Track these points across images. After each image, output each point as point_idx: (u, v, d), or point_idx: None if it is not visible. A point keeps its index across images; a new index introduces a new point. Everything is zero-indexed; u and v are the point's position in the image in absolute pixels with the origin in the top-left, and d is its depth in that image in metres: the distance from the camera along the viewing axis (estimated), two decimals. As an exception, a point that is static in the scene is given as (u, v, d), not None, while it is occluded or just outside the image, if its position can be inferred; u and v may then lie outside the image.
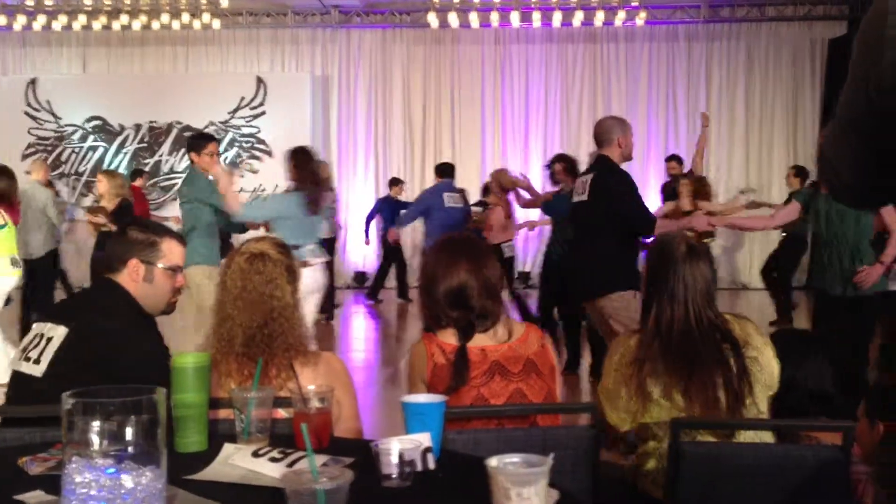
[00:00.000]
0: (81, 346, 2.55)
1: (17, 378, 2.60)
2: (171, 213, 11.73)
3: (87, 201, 13.79)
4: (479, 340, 2.62)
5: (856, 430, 2.63)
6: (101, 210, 9.34)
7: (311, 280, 5.57)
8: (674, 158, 11.08)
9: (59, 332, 2.58)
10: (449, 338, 2.63)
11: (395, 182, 12.84)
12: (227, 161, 14.58)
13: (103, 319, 2.65)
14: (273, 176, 12.98)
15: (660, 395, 2.57)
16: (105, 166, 14.70)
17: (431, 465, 1.83)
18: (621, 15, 13.91)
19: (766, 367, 2.63)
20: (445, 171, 8.85)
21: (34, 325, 2.71)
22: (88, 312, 2.68)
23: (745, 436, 2.56)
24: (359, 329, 10.60)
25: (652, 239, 4.94)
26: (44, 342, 2.58)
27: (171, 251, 2.82)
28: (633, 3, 13.83)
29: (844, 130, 1.36)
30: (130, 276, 2.76)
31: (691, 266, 2.70)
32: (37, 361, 2.54)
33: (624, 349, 2.69)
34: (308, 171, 6.09)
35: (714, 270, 2.78)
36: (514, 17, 13.97)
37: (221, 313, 2.50)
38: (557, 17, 13.92)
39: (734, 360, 2.58)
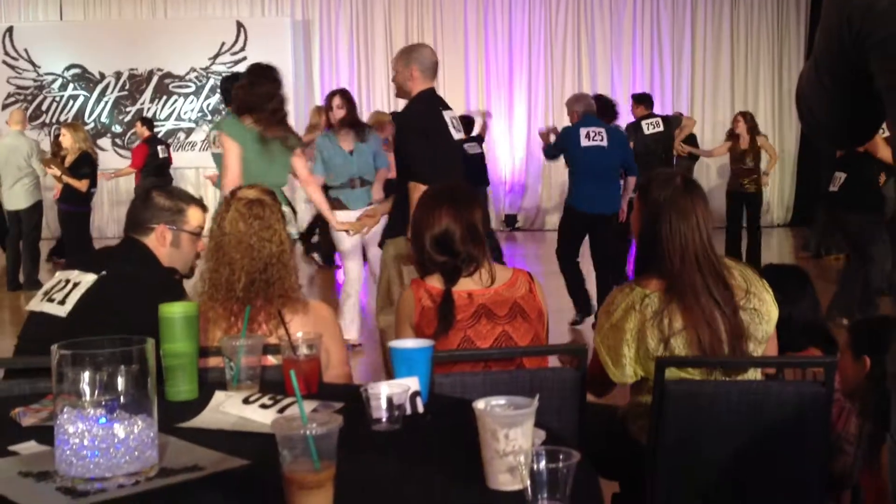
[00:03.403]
0: (109, 291, 2.63)
1: (38, 318, 2.65)
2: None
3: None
4: (465, 285, 2.67)
5: (839, 363, 2.66)
6: (53, 161, 9.25)
7: None
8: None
9: (87, 279, 2.65)
10: (436, 282, 2.68)
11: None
12: (210, 108, 14.44)
13: (133, 270, 2.75)
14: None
15: (679, 349, 2.45)
16: (86, 115, 14.53)
17: (420, 408, 1.86)
18: (605, -47, 13.72)
19: (766, 316, 2.51)
20: None
21: (58, 273, 2.77)
22: (119, 262, 2.78)
23: None
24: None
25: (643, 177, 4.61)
26: (70, 286, 2.65)
27: (195, 217, 2.93)
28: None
29: (819, 72, 1.39)
30: (158, 241, 2.85)
31: (692, 205, 2.51)
32: (62, 303, 2.61)
33: (626, 304, 2.51)
34: None
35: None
36: (497, -42, 13.77)
37: (220, 258, 2.52)
38: (540, -43, 13.74)
39: (734, 308, 2.46)
